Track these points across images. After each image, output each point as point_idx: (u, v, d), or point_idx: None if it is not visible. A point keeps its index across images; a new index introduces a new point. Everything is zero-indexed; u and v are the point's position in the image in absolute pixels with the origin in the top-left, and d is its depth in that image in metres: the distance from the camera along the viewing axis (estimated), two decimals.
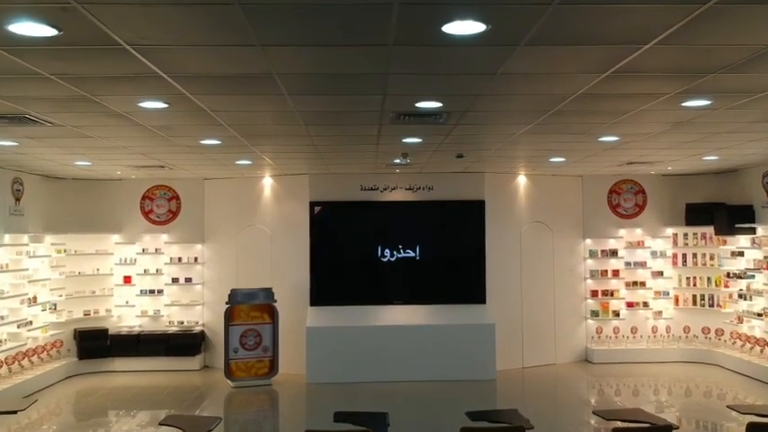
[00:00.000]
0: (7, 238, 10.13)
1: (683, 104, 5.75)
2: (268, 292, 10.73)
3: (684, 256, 12.25)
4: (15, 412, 6.95)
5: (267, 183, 11.72)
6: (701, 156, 9.45)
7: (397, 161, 9.48)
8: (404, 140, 7.71)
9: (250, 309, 10.63)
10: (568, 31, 3.72)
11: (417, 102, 5.57)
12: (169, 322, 12.02)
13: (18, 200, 10.51)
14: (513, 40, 3.86)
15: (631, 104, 5.76)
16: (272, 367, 10.65)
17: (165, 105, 5.59)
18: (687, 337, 12.14)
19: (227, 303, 10.56)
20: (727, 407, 7.48)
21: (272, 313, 10.70)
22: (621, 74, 4.66)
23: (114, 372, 11.59)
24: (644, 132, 7.32)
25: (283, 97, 5.32)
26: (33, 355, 10.53)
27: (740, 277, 11.22)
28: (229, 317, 10.52)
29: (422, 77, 4.75)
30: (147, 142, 7.62)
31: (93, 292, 11.86)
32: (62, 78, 4.66)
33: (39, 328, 10.73)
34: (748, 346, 10.98)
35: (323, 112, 6.01)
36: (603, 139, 7.74)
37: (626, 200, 12.44)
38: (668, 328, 12.24)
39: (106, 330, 11.71)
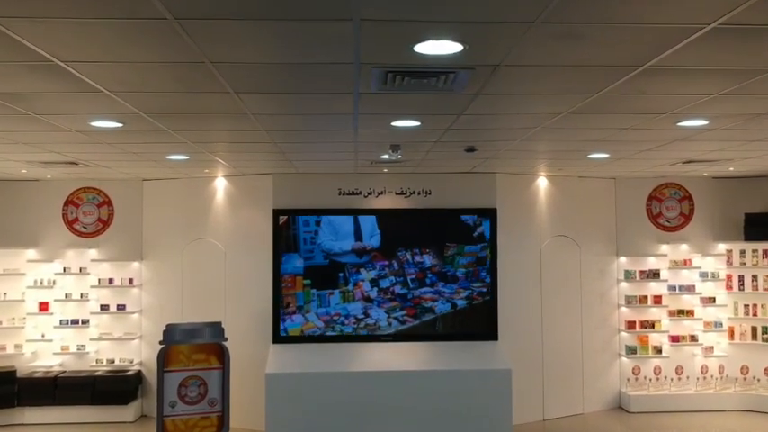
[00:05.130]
0: None
1: None
2: (215, 328, 8.20)
3: (741, 278, 9.86)
4: None
5: (220, 185, 9.23)
6: None
7: (385, 157, 7.04)
8: (393, 124, 5.25)
9: (192, 350, 8.11)
10: None
11: (418, 42, 3.12)
12: (96, 361, 9.49)
13: None
14: None
15: None
16: (221, 425, 8.14)
17: None
18: (745, 379, 9.75)
19: (161, 343, 8.06)
20: None
21: (222, 355, 8.18)
22: None
23: (24, 425, 9.09)
24: (749, 113, 4.92)
25: (167, 25, 2.85)
26: None
27: None
28: (164, 361, 8.01)
29: None
30: (11, 125, 5.15)
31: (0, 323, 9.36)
32: None
33: None
34: None
35: (255, 64, 3.53)
36: (685, 125, 5.31)
37: (669, 208, 10.04)
38: (721, 368, 9.85)
39: (14, 372, 9.17)
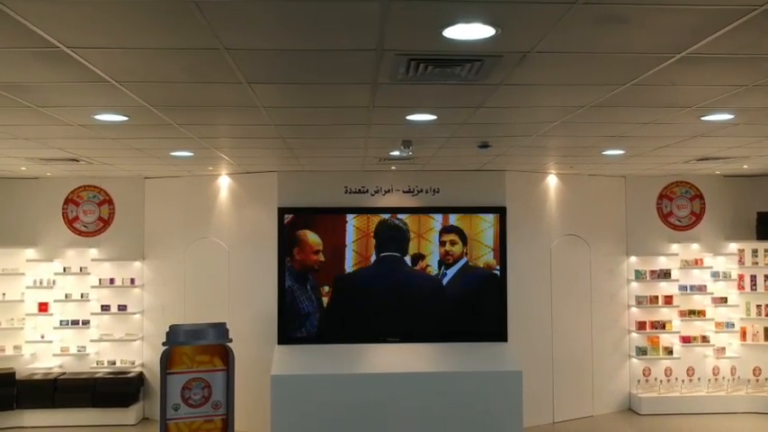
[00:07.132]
0: None
1: None
2: (220, 329, 8.00)
3: (754, 278, 9.70)
4: None
5: (224, 183, 9.05)
6: None
7: (396, 153, 6.86)
8: (409, 117, 5.08)
9: (195, 351, 7.92)
10: None
11: (449, 26, 2.94)
12: (97, 362, 9.29)
13: None
14: None
15: None
16: (226, 428, 7.95)
17: None
18: (758, 381, 9.59)
19: (164, 344, 7.87)
20: None
21: (226, 356, 7.98)
22: None
23: (22, 429, 8.90)
24: None
25: (182, 5, 2.67)
26: None
27: None
28: (167, 362, 7.82)
29: None
30: (11, 117, 4.96)
31: None
32: None
33: None
34: None
35: (272, 51, 3.35)
36: (710, 119, 5.15)
37: (679, 207, 9.88)
38: (733, 370, 9.69)
39: (13, 374, 8.98)
